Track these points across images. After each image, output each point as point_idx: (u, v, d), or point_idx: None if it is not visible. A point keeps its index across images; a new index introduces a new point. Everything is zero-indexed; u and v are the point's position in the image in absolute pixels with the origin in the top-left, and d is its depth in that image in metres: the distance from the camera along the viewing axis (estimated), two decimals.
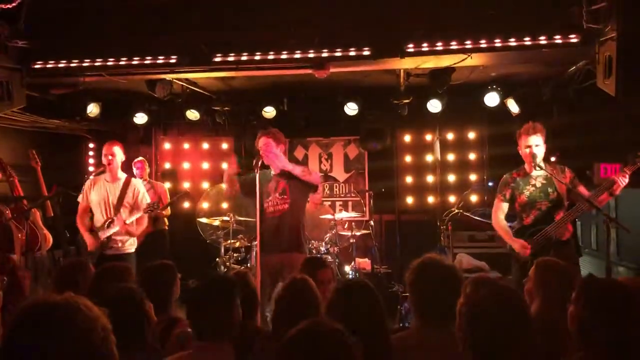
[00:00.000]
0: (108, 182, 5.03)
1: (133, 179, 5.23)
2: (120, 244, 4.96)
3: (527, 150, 4.26)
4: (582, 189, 4.20)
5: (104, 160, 5.00)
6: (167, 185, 7.44)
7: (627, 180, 3.97)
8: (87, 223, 5.03)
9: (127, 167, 6.11)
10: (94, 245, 4.88)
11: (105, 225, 4.91)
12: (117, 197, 4.97)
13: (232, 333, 2.41)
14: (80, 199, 5.09)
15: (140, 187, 5.14)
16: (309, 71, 4.92)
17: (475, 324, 1.89)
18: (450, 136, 7.84)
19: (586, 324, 2.01)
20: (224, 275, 2.71)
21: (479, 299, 1.92)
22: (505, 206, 4.45)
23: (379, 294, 2.35)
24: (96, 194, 5.00)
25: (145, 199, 5.09)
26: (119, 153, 5.04)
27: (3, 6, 4.59)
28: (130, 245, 5.05)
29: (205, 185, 8.16)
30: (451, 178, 7.81)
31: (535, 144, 4.23)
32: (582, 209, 4.12)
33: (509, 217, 4.54)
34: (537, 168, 4.24)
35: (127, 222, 4.88)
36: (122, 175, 5.11)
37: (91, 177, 5.21)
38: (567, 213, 4.19)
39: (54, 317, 1.34)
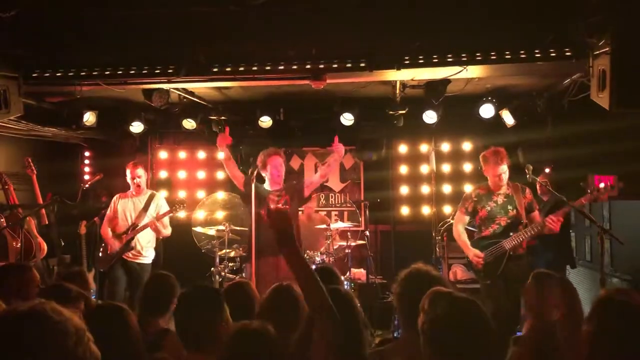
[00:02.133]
0: (135, 196, 5.74)
1: (157, 193, 5.94)
2: (139, 252, 5.60)
3: (497, 178, 4.64)
4: (535, 214, 4.66)
5: (132, 185, 5.69)
6: (164, 194, 7.42)
7: (557, 226, 4.39)
8: (109, 231, 5.65)
9: (121, 174, 6.12)
10: (117, 246, 5.53)
11: (130, 230, 5.54)
12: (141, 207, 5.65)
13: (219, 343, 2.40)
14: (108, 210, 5.75)
15: (162, 201, 5.83)
16: (306, 82, 4.95)
17: (438, 339, 1.89)
18: (445, 147, 7.88)
19: (599, 343, 2.02)
20: (209, 285, 2.69)
21: (437, 314, 1.91)
22: (466, 218, 4.85)
23: (355, 303, 2.31)
24: (122, 205, 5.71)
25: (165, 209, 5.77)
26: (143, 174, 5.76)
27: (1, 15, 4.59)
28: (149, 255, 5.71)
29: (201, 194, 8.15)
30: (447, 189, 7.84)
31: (504, 171, 4.63)
32: (535, 231, 4.47)
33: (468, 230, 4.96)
34: (503, 193, 4.67)
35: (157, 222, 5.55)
36: (148, 191, 5.84)
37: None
38: (522, 231, 4.53)
39: (23, 328, 1.27)
